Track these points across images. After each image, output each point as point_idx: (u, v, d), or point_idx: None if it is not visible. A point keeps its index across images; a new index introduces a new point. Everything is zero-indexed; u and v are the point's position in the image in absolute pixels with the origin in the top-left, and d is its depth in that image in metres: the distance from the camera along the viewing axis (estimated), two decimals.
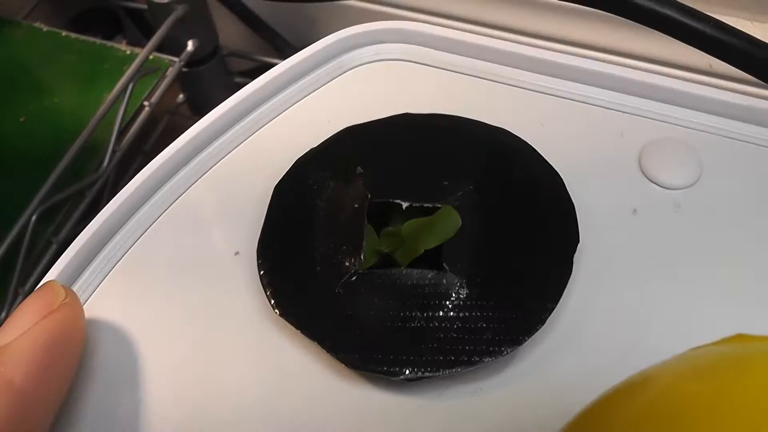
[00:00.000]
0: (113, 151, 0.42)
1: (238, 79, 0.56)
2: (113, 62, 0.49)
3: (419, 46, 0.28)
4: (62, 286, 0.21)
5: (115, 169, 0.43)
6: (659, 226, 0.23)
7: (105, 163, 0.42)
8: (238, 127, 0.26)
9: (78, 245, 0.23)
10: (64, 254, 0.23)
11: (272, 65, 0.27)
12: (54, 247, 0.39)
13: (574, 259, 0.21)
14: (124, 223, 0.24)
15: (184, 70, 0.49)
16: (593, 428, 0.13)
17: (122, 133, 0.43)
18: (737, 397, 0.11)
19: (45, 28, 0.51)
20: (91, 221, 0.23)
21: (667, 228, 0.23)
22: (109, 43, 0.50)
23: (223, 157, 0.26)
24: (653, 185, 0.24)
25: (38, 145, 0.45)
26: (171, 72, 0.46)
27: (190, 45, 0.49)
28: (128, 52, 0.49)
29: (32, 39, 0.51)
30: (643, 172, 0.24)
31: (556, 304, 0.20)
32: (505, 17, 0.44)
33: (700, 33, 0.26)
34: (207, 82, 0.52)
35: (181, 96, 0.51)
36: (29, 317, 0.20)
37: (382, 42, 0.28)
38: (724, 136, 0.25)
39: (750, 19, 0.38)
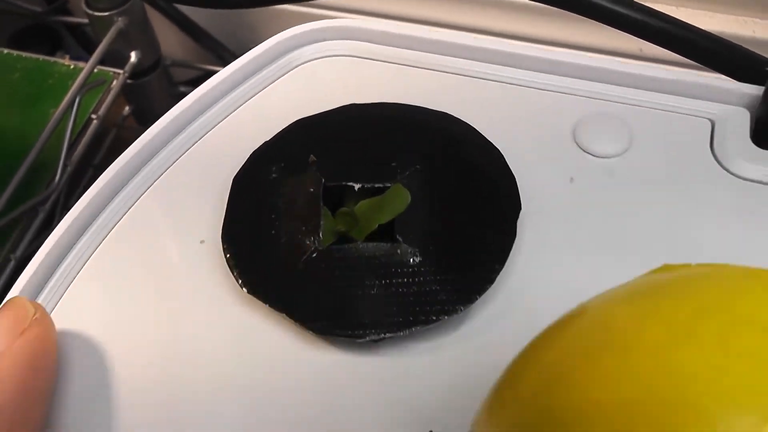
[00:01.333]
0: (64, 166, 0.43)
1: (182, 89, 0.56)
2: (57, 78, 0.49)
3: (361, 42, 0.29)
4: (30, 301, 0.22)
5: (67, 184, 0.43)
6: (594, 192, 0.24)
7: (57, 178, 0.42)
8: (189, 129, 0.27)
9: (39, 258, 0.24)
10: (26, 269, 0.23)
11: (215, 73, 0.28)
12: (12, 263, 0.40)
13: (518, 224, 0.23)
14: (83, 233, 0.25)
15: (129, 81, 0.50)
16: (532, 361, 0.15)
17: (72, 147, 0.44)
18: (664, 315, 0.13)
19: None
20: (47, 236, 0.24)
21: (602, 193, 0.24)
22: (52, 59, 0.50)
23: (180, 156, 0.27)
24: (587, 155, 0.26)
25: None
26: (116, 84, 0.47)
27: (133, 56, 0.49)
28: (72, 67, 0.49)
29: None
30: (578, 144, 0.26)
31: (503, 265, 0.22)
32: (441, 14, 0.46)
33: (631, 19, 0.28)
34: (152, 93, 0.53)
35: (127, 108, 0.52)
36: (3, 339, 0.20)
37: (325, 40, 0.29)
38: (651, 108, 0.27)
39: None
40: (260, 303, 0.22)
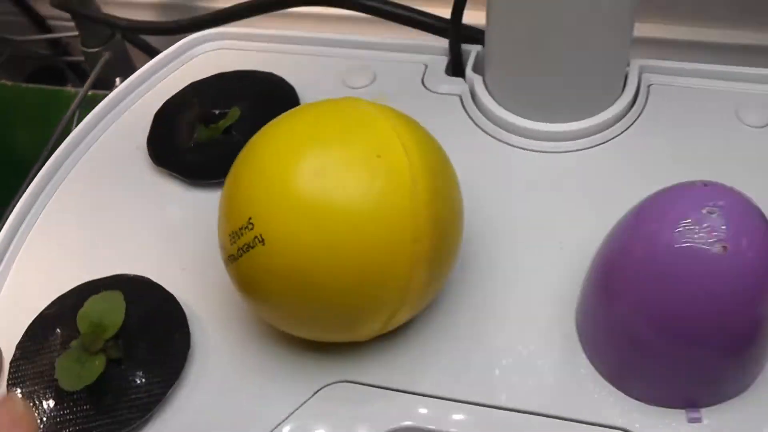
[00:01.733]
0: None
1: None
2: (63, 101, 0.69)
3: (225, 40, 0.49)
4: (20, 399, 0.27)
5: None
6: None
7: None
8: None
9: None
10: None
11: None
12: None
13: None
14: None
15: None
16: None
17: None
18: (285, 125, 0.32)
19: (9, 83, 0.71)
20: None
21: None
22: (58, 87, 0.70)
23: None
24: None
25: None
26: None
27: (117, 81, 0.69)
28: (73, 92, 0.69)
29: None
30: None
31: None
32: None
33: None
34: None
35: None
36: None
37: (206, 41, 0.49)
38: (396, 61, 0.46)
39: None
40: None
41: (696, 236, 0.27)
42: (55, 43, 0.77)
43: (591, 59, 0.38)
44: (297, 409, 0.31)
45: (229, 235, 0.29)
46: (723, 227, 0.27)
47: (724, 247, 0.27)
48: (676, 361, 0.29)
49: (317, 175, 0.28)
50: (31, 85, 0.70)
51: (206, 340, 0.34)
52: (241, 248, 0.29)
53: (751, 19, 0.57)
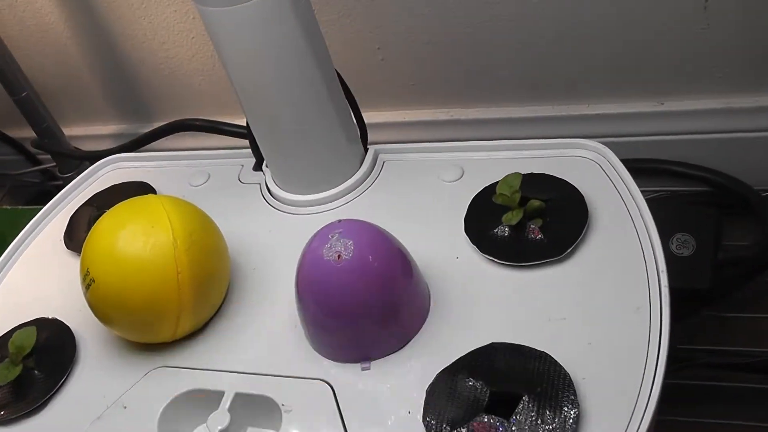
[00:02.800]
0: None
1: None
2: None
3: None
4: None
5: None
6: None
7: None
8: None
9: None
10: None
11: None
12: None
13: None
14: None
15: None
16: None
17: None
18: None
19: (9, 207, 0.95)
20: None
21: None
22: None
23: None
24: None
25: None
26: None
27: None
28: None
29: (3, 216, 0.95)
30: None
31: None
32: None
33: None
34: None
35: None
36: None
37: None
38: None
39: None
40: None
41: (326, 252, 0.47)
42: (44, 172, 1.02)
43: (321, 150, 0.59)
44: (133, 385, 0.52)
45: (81, 278, 0.51)
46: (339, 244, 0.47)
47: (339, 256, 0.47)
48: (345, 333, 0.48)
49: (117, 240, 0.50)
50: (28, 208, 0.93)
51: (87, 350, 0.55)
52: (86, 285, 0.51)
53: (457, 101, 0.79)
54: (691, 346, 0.73)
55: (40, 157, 1.01)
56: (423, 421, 0.42)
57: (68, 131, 0.96)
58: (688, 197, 0.80)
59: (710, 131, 0.77)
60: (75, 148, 0.92)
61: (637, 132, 0.78)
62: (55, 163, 0.94)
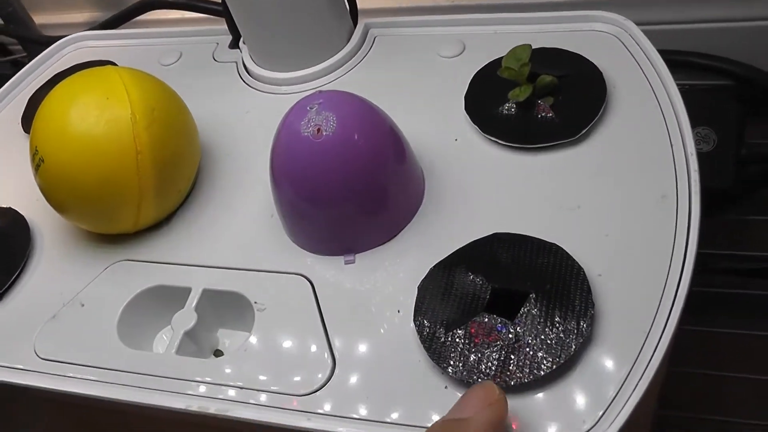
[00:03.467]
0: None
1: None
2: None
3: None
4: (496, 386, 0.30)
5: None
6: None
7: None
8: None
9: None
10: None
11: None
12: None
13: None
14: None
15: None
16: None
17: None
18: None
19: None
20: None
21: None
22: None
23: None
24: None
25: None
26: None
27: None
28: None
29: None
30: None
31: None
32: None
33: None
34: None
35: None
36: (477, 402, 0.29)
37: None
38: None
39: None
40: None
41: (304, 127, 0.41)
42: (15, 63, 0.95)
43: (304, 21, 0.52)
44: (92, 281, 0.46)
45: (30, 158, 0.45)
46: (319, 117, 0.40)
47: (318, 129, 0.40)
48: (325, 221, 0.42)
49: (67, 114, 0.44)
50: None
51: (43, 243, 0.49)
52: (35, 166, 0.44)
53: None
54: (709, 250, 0.68)
55: (11, 47, 0.93)
56: (414, 321, 0.37)
57: (39, 19, 0.88)
58: (709, 91, 0.73)
59: (735, 19, 0.69)
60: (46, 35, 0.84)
61: (654, 20, 0.71)
62: (25, 54, 0.86)
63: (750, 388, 0.62)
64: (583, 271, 0.37)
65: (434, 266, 0.39)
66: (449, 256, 0.39)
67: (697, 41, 0.71)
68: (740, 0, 0.69)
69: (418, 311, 0.37)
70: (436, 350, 0.35)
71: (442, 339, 0.36)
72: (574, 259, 0.37)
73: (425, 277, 0.39)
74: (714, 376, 0.63)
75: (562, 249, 0.38)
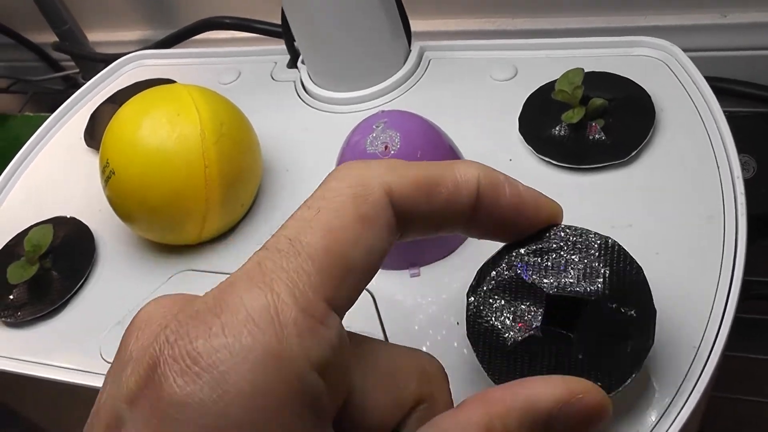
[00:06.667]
0: None
1: None
2: None
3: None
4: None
5: None
6: None
7: None
8: None
9: None
10: None
11: None
12: None
13: None
14: None
15: None
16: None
17: None
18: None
19: (31, 114, 0.92)
20: None
21: None
22: None
23: None
24: None
25: None
26: None
27: None
28: None
29: (26, 122, 0.92)
30: None
31: None
32: None
33: None
34: None
35: None
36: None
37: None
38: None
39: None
40: None
41: (370, 144, 0.43)
42: (67, 79, 0.98)
43: (364, 43, 0.54)
44: (156, 289, 0.48)
45: (100, 170, 0.47)
46: (385, 135, 0.42)
47: (386, 147, 0.42)
48: None
49: (139, 128, 0.46)
50: (43, 114, 0.90)
51: (107, 252, 0.51)
52: (105, 178, 0.47)
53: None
54: (748, 277, 0.68)
55: (63, 63, 0.97)
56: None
57: (92, 36, 0.91)
58: (749, 118, 0.74)
59: None
60: (98, 53, 0.87)
61: (697, 47, 0.72)
62: (78, 69, 0.89)
63: None
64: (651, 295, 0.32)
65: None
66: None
67: (739, 68, 0.73)
68: None
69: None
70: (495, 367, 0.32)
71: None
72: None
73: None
74: (754, 402, 0.63)
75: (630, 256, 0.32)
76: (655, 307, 0.31)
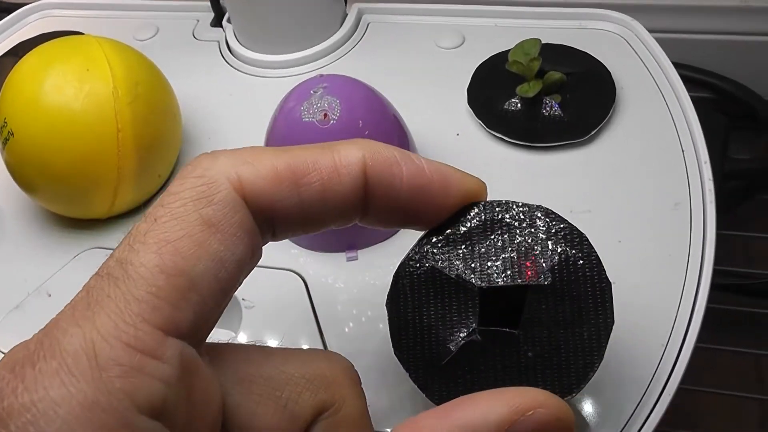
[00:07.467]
0: None
1: None
2: None
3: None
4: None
5: None
6: None
7: None
8: None
9: None
10: None
11: None
12: None
13: None
14: None
15: None
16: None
17: None
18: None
19: None
20: None
21: None
22: None
23: None
24: None
25: None
26: None
27: None
28: None
29: None
30: None
31: None
32: None
33: None
34: None
35: None
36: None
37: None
38: None
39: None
40: None
41: (306, 111, 0.38)
42: None
43: (296, 1, 0.49)
44: (60, 269, 0.42)
45: None
46: (323, 101, 0.38)
47: (325, 115, 0.37)
48: None
49: (43, 84, 0.40)
50: None
51: (7, 226, 0.45)
52: (2, 140, 0.40)
53: None
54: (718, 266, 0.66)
55: None
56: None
57: None
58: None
59: (718, 32, 0.68)
60: None
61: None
62: None
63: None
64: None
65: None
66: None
67: (682, 53, 0.70)
68: (726, 13, 0.68)
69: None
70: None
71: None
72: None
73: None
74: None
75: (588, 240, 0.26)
76: (609, 279, 0.25)
